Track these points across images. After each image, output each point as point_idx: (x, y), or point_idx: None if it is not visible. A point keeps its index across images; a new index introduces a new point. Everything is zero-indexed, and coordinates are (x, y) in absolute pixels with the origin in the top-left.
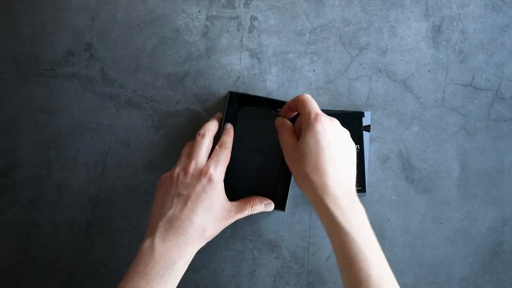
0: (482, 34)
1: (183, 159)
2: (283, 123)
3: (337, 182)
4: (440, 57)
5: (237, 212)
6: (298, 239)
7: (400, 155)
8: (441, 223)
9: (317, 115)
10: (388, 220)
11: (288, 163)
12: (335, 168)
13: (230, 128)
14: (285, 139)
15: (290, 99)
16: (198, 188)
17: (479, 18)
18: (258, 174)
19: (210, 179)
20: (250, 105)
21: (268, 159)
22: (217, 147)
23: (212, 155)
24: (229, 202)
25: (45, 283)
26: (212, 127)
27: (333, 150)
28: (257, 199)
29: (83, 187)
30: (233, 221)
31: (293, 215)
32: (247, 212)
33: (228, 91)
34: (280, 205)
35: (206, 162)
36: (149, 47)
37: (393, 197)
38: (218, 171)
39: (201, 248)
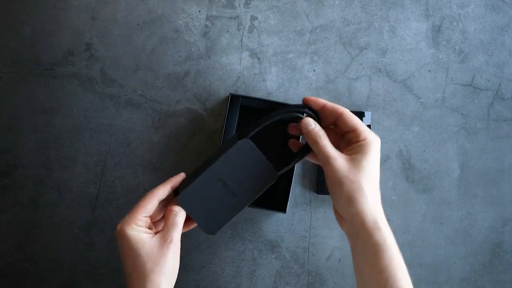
0: (482, 34)
1: None
2: (321, 131)
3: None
4: (440, 57)
5: (163, 242)
6: (298, 240)
7: (400, 155)
8: (441, 223)
9: (376, 138)
10: (388, 220)
11: (337, 172)
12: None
13: (166, 184)
14: (331, 149)
15: (291, 99)
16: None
17: (479, 18)
18: (219, 202)
19: (117, 233)
20: (253, 136)
21: (232, 199)
22: None
23: None
24: (152, 239)
25: (45, 283)
26: (156, 192)
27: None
28: (167, 216)
29: (83, 187)
30: (172, 247)
31: (293, 215)
32: (171, 229)
33: (230, 93)
34: (281, 207)
35: None
36: (149, 47)
37: (393, 197)
38: (123, 221)
39: (201, 248)
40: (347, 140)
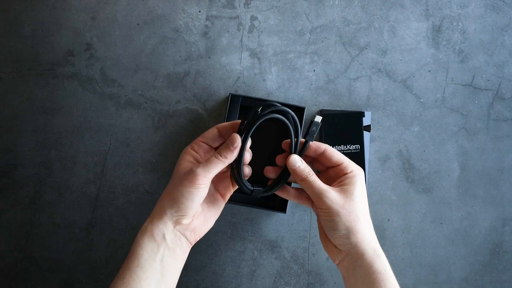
0: (482, 34)
1: None
2: (307, 167)
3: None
4: (440, 57)
5: (189, 174)
6: (298, 240)
7: (400, 155)
8: (441, 223)
9: (360, 169)
10: (389, 220)
11: (333, 204)
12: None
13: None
14: (321, 183)
15: (291, 99)
16: None
17: (479, 18)
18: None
19: None
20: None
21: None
22: None
23: None
24: (189, 167)
25: (45, 283)
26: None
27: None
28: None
29: (83, 187)
30: (187, 184)
31: (293, 215)
32: (200, 166)
33: (230, 93)
34: (281, 207)
35: None
36: (149, 47)
37: (393, 197)
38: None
39: (201, 248)
40: (330, 175)
